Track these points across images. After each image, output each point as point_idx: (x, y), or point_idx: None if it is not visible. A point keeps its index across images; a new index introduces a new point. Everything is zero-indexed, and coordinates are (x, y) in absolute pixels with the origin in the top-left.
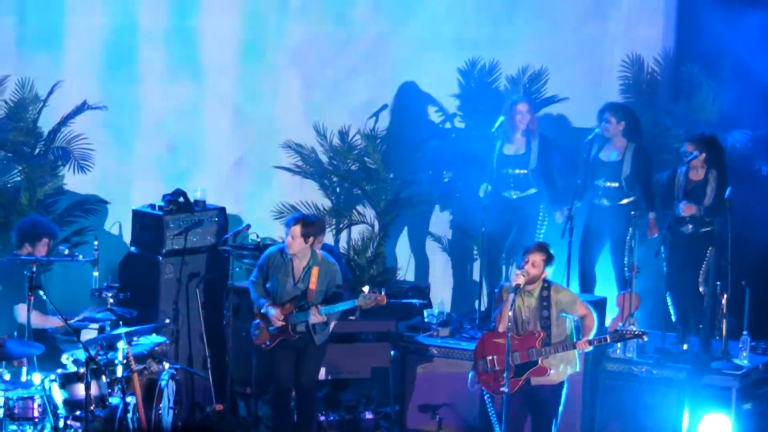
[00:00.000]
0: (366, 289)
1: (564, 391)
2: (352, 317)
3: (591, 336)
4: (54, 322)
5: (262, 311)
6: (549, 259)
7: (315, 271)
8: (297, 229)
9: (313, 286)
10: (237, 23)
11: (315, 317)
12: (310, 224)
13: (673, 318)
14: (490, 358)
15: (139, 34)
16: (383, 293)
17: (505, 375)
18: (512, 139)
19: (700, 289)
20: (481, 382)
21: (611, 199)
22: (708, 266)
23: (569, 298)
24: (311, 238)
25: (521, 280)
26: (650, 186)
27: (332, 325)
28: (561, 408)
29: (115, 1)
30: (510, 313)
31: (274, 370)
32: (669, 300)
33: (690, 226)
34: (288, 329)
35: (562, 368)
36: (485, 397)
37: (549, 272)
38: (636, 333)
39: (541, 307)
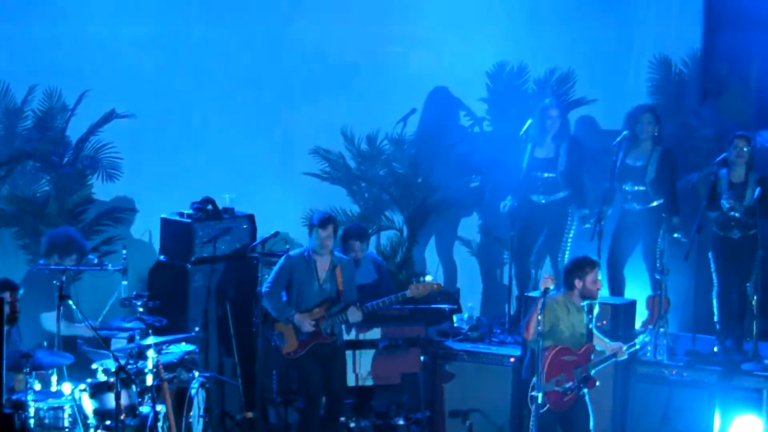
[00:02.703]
0: (414, 280)
1: (586, 395)
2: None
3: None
4: (81, 329)
5: (294, 321)
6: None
7: (338, 270)
8: (330, 229)
9: (341, 286)
10: (257, 26)
11: (355, 316)
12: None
13: (716, 323)
14: (558, 378)
15: (167, 43)
16: (436, 282)
17: (537, 380)
18: (542, 142)
19: (747, 293)
20: (550, 401)
21: (640, 202)
22: (758, 270)
23: (597, 310)
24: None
25: (550, 284)
26: (674, 190)
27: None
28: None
29: (143, 12)
30: (540, 317)
31: (304, 379)
32: (715, 305)
33: (735, 231)
34: (321, 333)
35: None
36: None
37: None
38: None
39: (587, 320)
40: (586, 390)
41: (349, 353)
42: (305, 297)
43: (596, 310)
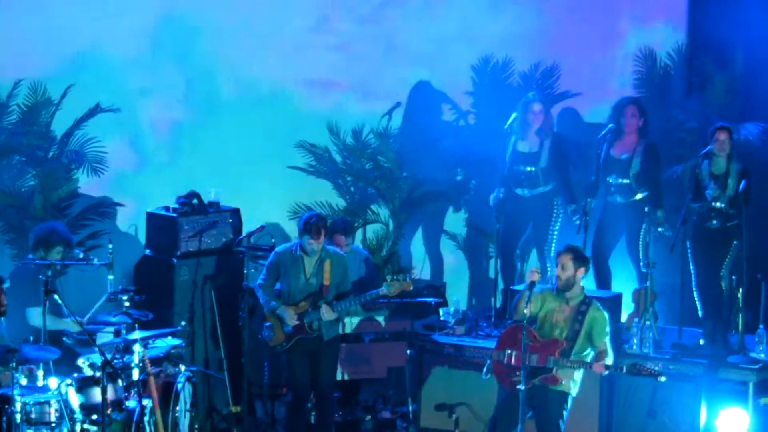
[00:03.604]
0: (389, 278)
1: (569, 404)
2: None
3: (608, 362)
4: (66, 323)
5: (277, 312)
6: (579, 259)
7: (327, 265)
8: (323, 236)
9: (327, 281)
10: (241, 21)
11: (328, 314)
12: (338, 226)
13: (700, 314)
14: (509, 351)
15: (152, 36)
16: (408, 279)
17: (521, 372)
18: (525, 136)
19: (722, 284)
20: (495, 372)
21: (624, 195)
22: (730, 260)
23: (603, 324)
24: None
25: (536, 277)
26: (659, 184)
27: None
28: (566, 416)
29: (128, 5)
30: (526, 311)
31: (291, 373)
32: (696, 296)
33: (715, 222)
34: (304, 327)
35: (572, 385)
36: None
37: (582, 273)
38: (652, 372)
39: (574, 319)
40: (570, 397)
41: None
42: (293, 291)
43: (596, 322)
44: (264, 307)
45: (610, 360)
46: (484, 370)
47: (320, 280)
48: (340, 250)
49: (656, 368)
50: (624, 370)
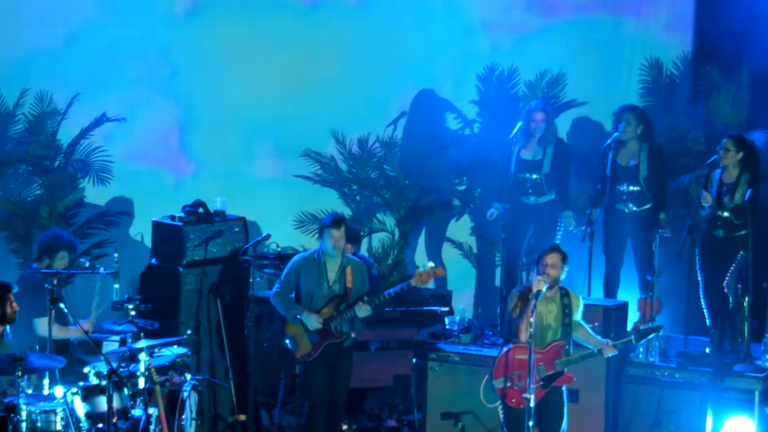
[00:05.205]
0: (420, 267)
1: (564, 394)
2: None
3: (607, 341)
4: (73, 331)
5: (299, 317)
6: (565, 258)
7: (349, 270)
8: (343, 229)
9: (350, 284)
10: (249, 31)
11: (364, 309)
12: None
13: (708, 322)
14: (516, 374)
15: (157, 46)
16: (440, 266)
17: (528, 381)
18: (528, 144)
19: (725, 292)
20: (506, 398)
21: (636, 203)
22: (735, 270)
23: (581, 305)
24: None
25: (542, 286)
26: (663, 186)
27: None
28: (566, 409)
29: (133, 14)
30: (532, 320)
31: (310, 381)
32: (703, 303)
33: (720, 231)
34: (332, 332)
35: None
36: (500, 412)
37: (565, 273)
38: (654, 330)
39: (563, 314)
40: (564, 387)
41: None
42: (315, 298)
43: (578, 306)
44: (285, 315)
45: (589, 331)
46: (485, 398)
47: (343, 286)
48: (356, 257)
49: (655, 325)
50: (633, 340)
